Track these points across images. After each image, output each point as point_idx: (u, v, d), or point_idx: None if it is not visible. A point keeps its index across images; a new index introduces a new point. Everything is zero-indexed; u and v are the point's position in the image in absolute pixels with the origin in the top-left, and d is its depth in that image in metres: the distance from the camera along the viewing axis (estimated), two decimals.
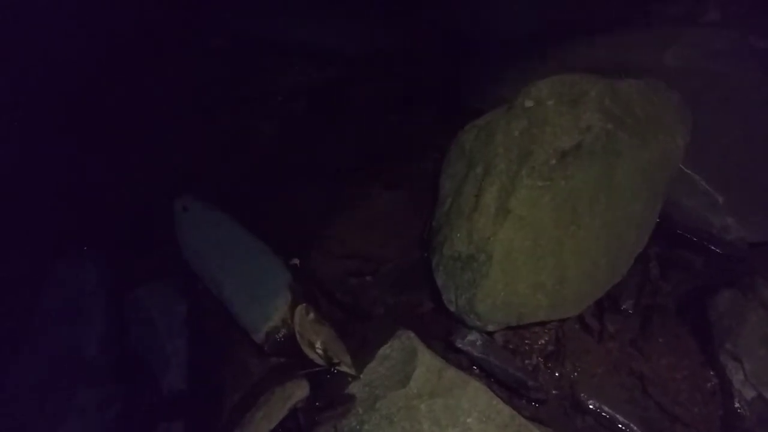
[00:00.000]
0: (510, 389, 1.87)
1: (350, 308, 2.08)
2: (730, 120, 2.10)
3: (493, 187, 1.84)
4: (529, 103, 1.88)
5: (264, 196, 2.33)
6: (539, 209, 1.77)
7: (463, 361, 1.91)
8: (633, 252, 1.94)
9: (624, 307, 2.03)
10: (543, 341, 1.97)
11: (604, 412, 1.85)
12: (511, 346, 1.95)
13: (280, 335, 1.93)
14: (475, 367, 1.91)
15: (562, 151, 1.77)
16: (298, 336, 1.94)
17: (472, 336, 1.89)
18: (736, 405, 1.84)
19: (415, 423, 1.59)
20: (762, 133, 2.07)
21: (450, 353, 1.93)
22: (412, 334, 1.88)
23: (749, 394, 1.84)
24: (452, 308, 1.89)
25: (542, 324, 1.96)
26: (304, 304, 1.99)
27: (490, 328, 1.86)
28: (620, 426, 1.83)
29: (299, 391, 1.81)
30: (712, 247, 2.14)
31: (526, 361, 1.93)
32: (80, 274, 2.17)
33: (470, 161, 2.00)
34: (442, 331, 1.97)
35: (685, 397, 1.89)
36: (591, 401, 1.87)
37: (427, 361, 1.76)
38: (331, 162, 2.47)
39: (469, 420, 1.58)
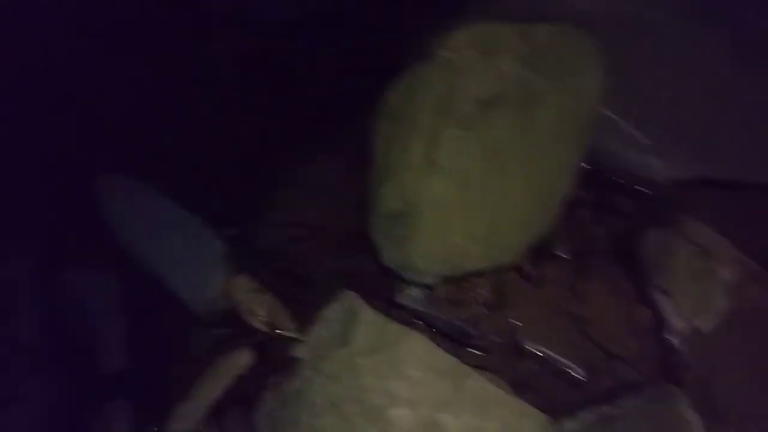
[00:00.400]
0: (453, 340, 1.90)
1: (292, 275, 2.06)
2: (647, 62, 2.14)
3: (418, 141, 1.84)
4: (447, 54, 1.89)
5: (194, 168, 2.26)
6: (465, 159, 1.78)
7: (406, 316, 1.93)
8: (561, 197, 1.98)
9: (560, 253, 2.08)
10: (483, 291, 2.00)
11: (546, 356, 1.90)
12: (452, 298, 1.97)
13: (221, 307, 1.90)
14: (418, 321, 1.93)
15: (483, 100, 1.79)
16: (239, 306, 1.91)
17: (413, 291, 1.91)
18: (670, 338, 1.91)
19: (359, 378, 1.60)
20: (678, 72, 2.13)
21: (393, 310, 1.93)
22: (353, 294, 1.88)
23: (681, 326, 1.92)
24: (391, 265, 1.89)
25: (481, 275, 1.99)
26: (243, 274, 1.96)
27: (429, 281, 1.87)
28: (562, 367, 1.88)
29: (243, 359, 1.79)
30: (641, 189, 2.20)
31: (467, 312, 1.96)
32: (8, 261, 2.08)
33: (396, 118, 2.00)
34: (384, 290, 1.98)
35: (622, 335, 1.96)
36: (533, 346, 1.91)
37: (368, 318, 1.76)
38: (264, 130, 2.41)
39: (410, 370, 1.60)
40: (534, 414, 1.55)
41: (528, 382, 1.87)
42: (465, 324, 1.88)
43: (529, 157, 1.86)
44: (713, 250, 2.00)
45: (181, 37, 2.38)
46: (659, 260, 1.98)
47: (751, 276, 1.99)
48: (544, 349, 1.90)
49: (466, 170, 1.80)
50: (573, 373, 1.87)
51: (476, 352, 1.90)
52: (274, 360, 1.81)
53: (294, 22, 2.50)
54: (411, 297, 1.89)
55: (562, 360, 1.89)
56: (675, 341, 1.90)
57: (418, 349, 1.64)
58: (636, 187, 2.20)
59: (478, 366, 1.86)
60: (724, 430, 1.80)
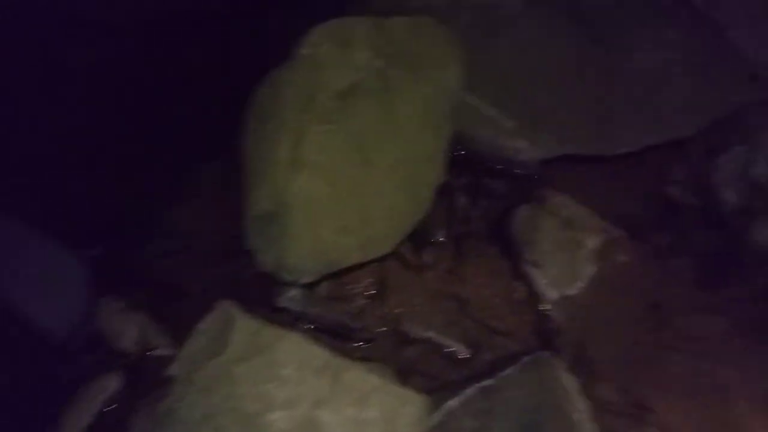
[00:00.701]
0: (338, 335, 1.88)
1: (166, 290, 1.97)
2: (504, 48, 2.24)
3: (284, 139, 1.82)
4: (306, 51, 1.88)
5: (45, 184, 2.11)
6: (330, 153, 1.78)
7: (287, 318, 1.89)
8: (431, 184, 2.02)
9: (438, 238, 2.12)
10: (365, 284, 2.00)
11: (430, 339, 1.93)
12: (334, 295, 1.96)
13: (86, 331, 1.78)
14: (302, 322, 1.90)
15: (341, 93, 1.79)
16: (106, 329, 1.79)
17: (292, 292, 1.88)
18: (544, 307, 2.00)
19: (233, 387, 1.54)
20: (533, 55, 2.24)
21: (275, 314, 1.90)
22: (229, 303, 1.81)
23: (553, 295, 2.00)
24: (266, 268, 1.85)
25: (361, 267, 1.99)
26: (110, 294, 1.85)
27: (306, 279, 1.85)
28: (446, 348, 1.92)
29: (112, 384, 1.68)
30: (511, 170, 2.29)
31: (351, 306, 1.95)
32: None
33: (264, 119, 1.97)
34: (265, 294, 1.93)
35: (500, 310, 2.02)
36: (415, 331, 1.93)
37: (244, 325, 1.71)
38: (129, 139, 2.29)
39: (285, 371, 1.56)
40: (413, 398, 1.56)
41: (415, 366, 1.89)
42: (347, 318, 1.88)
43: (394, 147, 1.89)
44: (577, 221, 2.11)
45: (28, 43, 2.20)
46: (528, 235, 2.07)
47: (614, 241, 2.12)
48: (428, 333, 1.93)
49: (333, 164, 1.80)
50: (457, 352, 1.91)
51: (361, 344, 1.89)
52: (147, 381, 1.71)
53: (153, 26, 2.40)
54: (291, 298, 1.86)
55: (446, 341, 1.92)
56: (548, 310, 1.98)
57: (294, 350, 1.61)
58: (506, 168, 2.29)
59: (364, 358, 1.86)
60: (601, 387, 1.90)
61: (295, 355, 1.62)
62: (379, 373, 1.69)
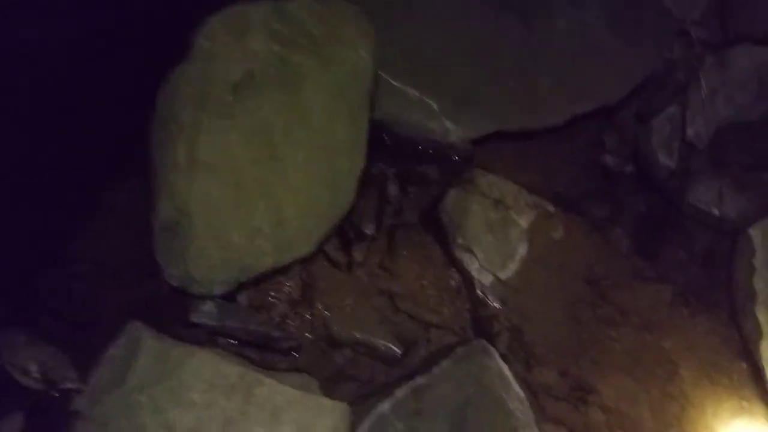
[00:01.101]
0: (258, 347, 1.77)
1: (74, 317, 1.83)
2: (419, 25, 2.12)
3: (181, 140, 1.69)
4: (201, 43, 1.75)
5: None
6: (229, 151, 1.66)
7: (203, 335, 1.77)
8: (353, 175, 1.90)
9: (367, 232, 2.01)
10: (289, 289, 1.89)
11: (360, 340, 1.83)
12: (256, 304, 1.84)
13: None
14: (219, 337, 1.78)
15: (238, 85, 1.67)
16: (7, 366, 1.66)
17: (207, 306, 1.75)
18: (478, 293, 1.91)
19: (135, 418, 1.43)
20: (450, 30, 2.12)
21: (189, 331, 1.77)
22: (139, 325, 1.68)
23: (486, 279, 1.91)
24: (175, 282, 1.72)
25: (285, 271, 1.87)
26: (10, 327, 1.71)
27: (219, 290, 1.73)
28: (377, 348, 1.82)
29: (11, 425, 1.55)
30: (442, 154, 2.18)
31: (274, 314, 1.84)
32: None
33: (163, 121, 1.82)
34: (179, 311, 1.81)
35: (434, 301, 1.93)
36: (345, 333, 1.83)
37: (151, 348, 1.59)
38: (30, 165, 2.13)
39: (192, 395, 1.45)
40: (331, 407, 1.46)
41: (345, 372, 1.80)
42: (270, 328, 1.76)
43: (305, 138, 1.77)
44: (508, 199, 2.02)
45: None
46: (458, 220, 1.97)
47: (548, 217, 2.03)
48: (358, 334, 1.83)
49: (235, 163, 1.67)
50: (389, 352, 1.81)
51: (287, 354, 1.78)
52: (52, 420, 1.59)
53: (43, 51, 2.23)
54: (206, 313, 1.74)
55: (378, 341, 1.83)
56: (482, 296, 1.89)
57: (203, 369, 1.50)
58: (436, 152, 2.19)
59: (289, 369, 1.75)
60: (540, 371, 1.82)
61: (203, 376, 1.51)
62: (299, 384, 1.59)
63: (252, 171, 1.70)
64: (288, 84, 1.76)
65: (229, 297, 1.80)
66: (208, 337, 1.77)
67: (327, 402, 1.47)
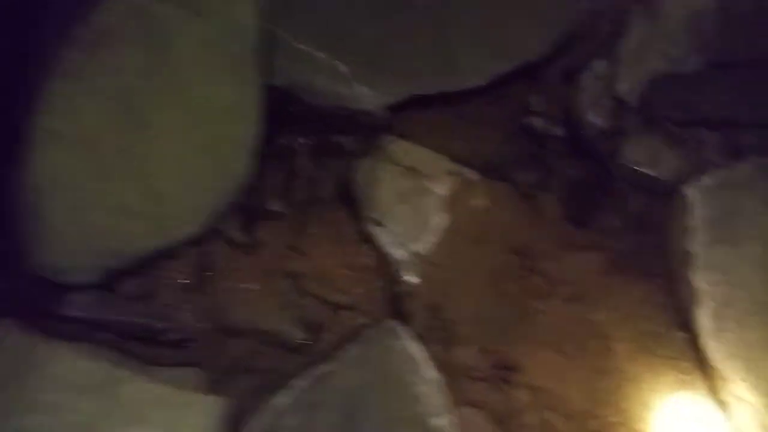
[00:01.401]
0: (143, 340, 1.58)
1: None
2: None
3: (33, 111, 1.48)
4: None
5: None
6: (83, 119, 1.46)
7: (84, 330, 1.58)
8: (245, 144, 1.71)
9: (276, 209, 1.83)
10: (182, 274, 1.70)
11: (260, 327, 1.65)
12: (141, 292, 1.65)
13: None
14: (96, 331, 1.58)
15: (89, 42, 1.46)
16: None
17: (81, 297, 1.56)
18: (392, 269, 1.74)
19: None
20: None
21: (68, 325, 1.58)
22: (3, 322, 1.49)
23: (401, 254, 1.75)
24: (41, 272, 1.53)
25: (175, 256, 1.69)
26: None
27: (89, 278, 1.54)
28: (279, 335, 1.66)
29: None
30: (358, 121, 2.00)
31: (162, 302, 1.65)
32: None
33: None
34: (54, 304, 1.61)
35: (345, 281, 1.76)
36: (244, 321, 1.66)
37: (11, 348, 1.41)
38: None
39: (51, 397, 1.28)
40: (199, 402, 1.29)
41: (242, 363, 1.62)
42: (153, 319, 1.58)
43: (177, 103, 1.57)
44: (423, 167, 1.85)
45: None
46: (369, 191, 1.80)
47: (468, 185, 1.87)
48: (258, 321, 1.65)
49: (91, 132, 1.48)
50: (293, 338, 1.64)
51: (176, 346, 1.59)
52: None
53: None
54: (78, 305, 1.55)
55: (279, 327, 1.65)
56: (396, 272, 1.72)
57: (65, 369, 1.32)
58: (352, 119, 2.00)
59: (178, 363, 1.57)
60: (459, 351, 1.67)
61: (67, 376, 1.33)
62: (182, 379, 1.41)
63: (114, 141, 1.51)
64: (150, 40, 1.56)
65: (108, 286, 1.61)
66: (87, 332, 1.58)
67: (199, 398, 1.29)
